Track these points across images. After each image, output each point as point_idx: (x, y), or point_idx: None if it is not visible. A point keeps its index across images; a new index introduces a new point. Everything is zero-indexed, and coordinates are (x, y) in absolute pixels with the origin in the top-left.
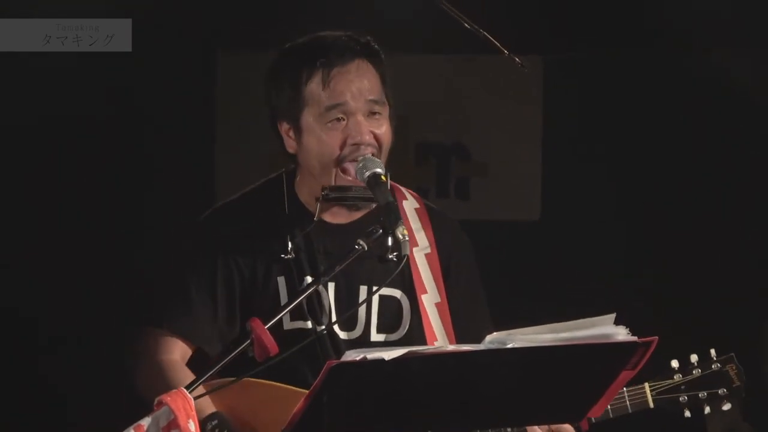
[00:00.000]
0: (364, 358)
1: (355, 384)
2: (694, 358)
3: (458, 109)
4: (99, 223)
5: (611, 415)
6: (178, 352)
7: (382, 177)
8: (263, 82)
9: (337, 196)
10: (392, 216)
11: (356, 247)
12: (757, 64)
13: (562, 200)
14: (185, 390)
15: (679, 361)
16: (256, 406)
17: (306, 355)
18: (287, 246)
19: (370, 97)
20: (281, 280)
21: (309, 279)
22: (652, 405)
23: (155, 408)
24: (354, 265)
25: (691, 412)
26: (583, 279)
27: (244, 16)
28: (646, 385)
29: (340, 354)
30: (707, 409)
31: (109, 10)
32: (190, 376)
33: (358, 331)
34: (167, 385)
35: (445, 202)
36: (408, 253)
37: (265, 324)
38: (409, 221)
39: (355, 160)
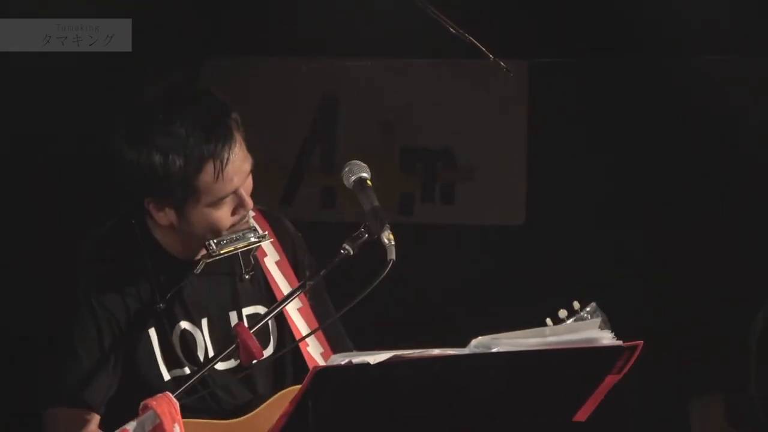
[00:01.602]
0: (350, 363)
1: (341, 389)
2: (563, 313)
3: (443, 114)
4: (96, 223)
5: None
6: (91, 421)
7: (368, 182)
8: (118, 141)
9: (227, 250)
10: (378, 221)
11: (342, 251)
12: (744, 70)
13: (547, 205)
14: (170, 394)
15: (551, 319)
16: None
17: (196, 398)
18: (155, 296)
19: (249, 170)
20: (152, 332)
21: (183, 324)
22: None
23: (140, 412)
24: (220, 292)
25: None
26: (568, 283)
27: (228, 22)
28: None
29: (224, 385)
30: None
31: (109, 10)
32: None
33: (234, 360)
34: None
35: (430, 206)
36: (393, 257)
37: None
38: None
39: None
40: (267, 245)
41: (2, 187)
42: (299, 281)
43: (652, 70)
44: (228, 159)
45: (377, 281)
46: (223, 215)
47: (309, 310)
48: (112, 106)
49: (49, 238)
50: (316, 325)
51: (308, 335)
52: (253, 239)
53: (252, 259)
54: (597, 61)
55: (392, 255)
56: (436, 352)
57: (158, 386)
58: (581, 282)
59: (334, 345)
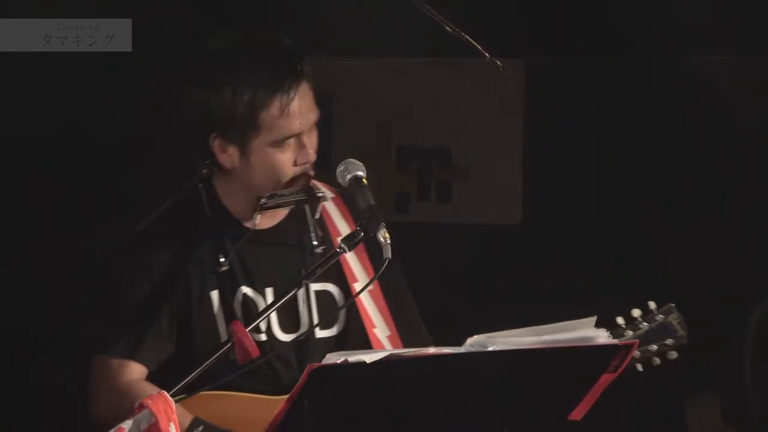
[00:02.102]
0: (345, 361)
1: (337, 387)
2: (636, 312)
3: (439, 113)
4: (96, 223)
5: None
6: (136, 371)
7: (364, 180)
8: (185, 84)
9: (277, 203)
10: (374, 219)
11: (337, 249)
12: (741, 71)
13: (544, 204)
14: (166, 393)
15: (624, 318)
16: (228, 416)
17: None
18: (218, 258)
19: (314, 118)
20: (214, 295)
21: (244, 289)
22: None
23: (136, 411)
24: (288, 265)
25: (642, 366)
26: (564, 282)
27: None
28: None
29: (281, 358)
30: (656, 360)
31: (109, 10)
32: (154, 390)
33: (302, 331)
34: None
35: (426, 205)
36: (389, 256)
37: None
38: (329, 213)
39: (303, 174)
40: (343, 227)
41: (2, 187)
42: (371, 263)
43: (650, 70)
44: (294, 97)
45: (373, 279)
46: (285, 160)
47: (380, 293)
48: (112, 106)
49: (49, 238)
50: (386, 308)
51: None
52: (308, 195)
53: (323, 233)
54: (594, 60)
55: (388, 254)
56: (431, 350)
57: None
58: (578, 281)
59: (407, 332)
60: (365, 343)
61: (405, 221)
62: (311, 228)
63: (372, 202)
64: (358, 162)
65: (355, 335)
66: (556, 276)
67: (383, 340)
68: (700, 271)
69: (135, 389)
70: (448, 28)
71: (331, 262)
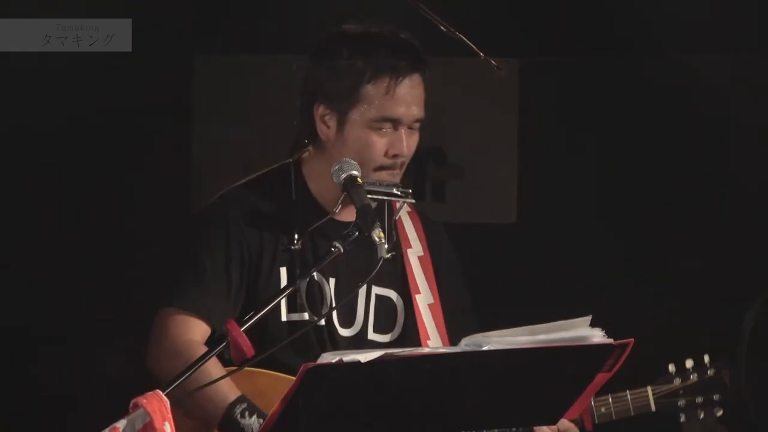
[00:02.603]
0: (340, 361)
1: (332, 387)
2: (689, 363)
3: (434, 113)
4: (96, 223)
5: (614, 417)
6: (198, 331)
7: (358, 179)
8: (310, 57)
9: (366, 189)
10: (368, 218)
11: (332, 249)
12: (732, 69)
13: (539, 203)
14: (161, 392)
15: (675, 366)
16: (264, 395)
17: (304, 349)
18: (294, 237)
19: (418, 115)
20: (283, 271)
21: (314, 273)
22: (653, 408)
23: (130, 410)
24: (356, 262)
25: (686, 416)
26: (560, 281)
27: (219, 20)
28: (649, 388)
29: (338, 349)
30: (701, 414)
31: (109, 10)
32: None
33: (356, 329)
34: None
35: (421, 205)
36: (384, 255)
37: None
38: (403, 223)
39: (391, 168)
40: (414, 240)
41: (2, 187)
42: (436, 276)
43: (645, 68)
44: (403, 80)
45: (368, 279)
46: (378, 143)
47: (439, 308)
48: (111, 106)
49: (48, 237)
50: (442, 322)
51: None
52: (395, 191)
53: (395, 239)
54: (589, 59)
55: (382, 253)
56: (426, 350)
57: (274, 325)
58: (574, 280)
59: (455, 334)
60: None
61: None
62: (386, 228)
63: (367, 201)
64: (353, 161)
65: (410, 344)
66: (551, 275)
67: None
68: (696, 271)
69: (193, 352)
70: (442, 28)
71: (327, 261)
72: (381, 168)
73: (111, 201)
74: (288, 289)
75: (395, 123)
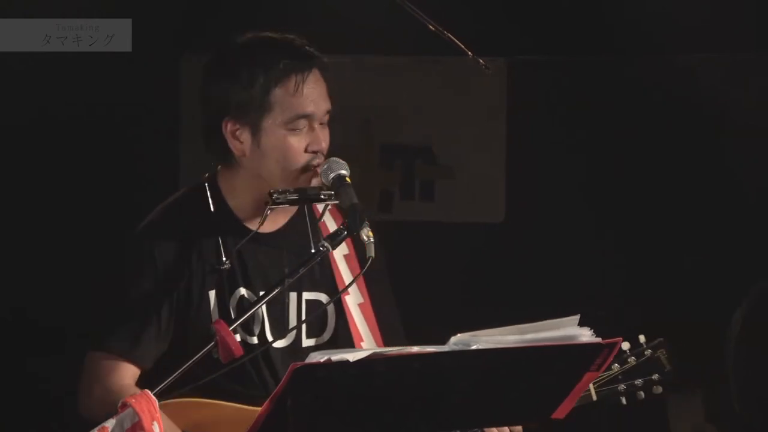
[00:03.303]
0: (329, 360)
1: (320, 387)
2: (625, 345)
3: (423, 112)
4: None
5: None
6: (128, 375)
7: (347, 178)
8: (206, 77)
9: (288, 199)
10: (357, 218)
11: (321, 248)
12: (722, 68)
13: (527, 202)
14: (150, 392)
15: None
16: (210, 428)
17: (237, 370)
18: (221, 257)
19: (327, 108)
20: (212, 294)
21: (242, 291)
22: (595, 398)
23: (119, 410)
24: (281, 271)
25: (627, 400)
26: (548, 280)
27: (208, 18)
28: None
29: (273, 364)
30: (640, 395)
31: (109, 10)
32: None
33: (290, 338)
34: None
35: (410, 204)
36: (372, 254)
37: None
38: (326, 224)
39: (316, 167)
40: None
41: (2, 187)
42: (365, 280)
43: (632, 68)
44: (307, 77)
45: (356, 278)
46: (296, 144)
47: (369, 307)
48: (112, 106)
49: (48, 237)
50: (374, 322)
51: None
52: (321, 195)
53: (366, 254)
54: (577, 59)
55: (371, 252)
56: (415, 349)
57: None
58: (561, 279)
59: (387, 337)
60: None
61: (388, 220)
62: (311, 233)
63: (355, 200)
64: (341, 161)
65: (344, 346)
66: (539, 274)
67: None
68: (683, 270)
69: (126, 394)
70: (430, 27)
71: (314, 261)
72: (306, 169)
73: (102, 199)
74: (273, 291)
75: (309, 119)
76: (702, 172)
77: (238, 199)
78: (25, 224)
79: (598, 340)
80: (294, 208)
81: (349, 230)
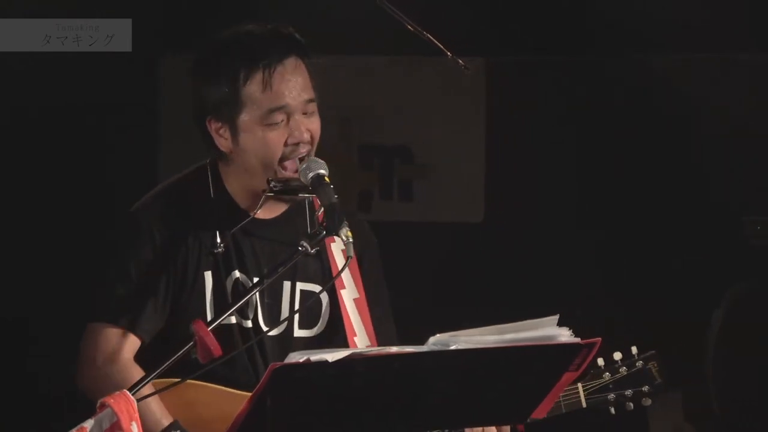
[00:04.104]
0: (308, 360)
1: (299, 387)
2: (617, 355)
3: (401, 111)
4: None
5: (546, 416)
6: (129, 347)
7: (326, 178)
8: (192, 77)
9: (286, 188)
10: (336, 217)
11: (299, 248)
12: (697, 68)
13: (505, 202)
14: (128, 392)
15: (604, 359)
16: (200, 408)
17: (230, 353)
18: (216, 240)
19: (307, 96)
20: (208, 275)
21: (236, 274)
22: (585, 405)
23: (98, 410)
24: (279, 259)
25: (615, 409)
26: (527, 280)
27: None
28: (579, 386)
29: (264, 350)
30: (629, 405)
31: (109, 10)
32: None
33: (282, 326)
34: (118, 385)
35: (388, 204)
36: (352, 254)
37: (209, 325)
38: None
39: (294, 158)
40: None
41: (2, 187)
42: (360, 270)
43: (611, 68)
44: (275, 69)
45: (335, 277)
46: (274, 138)
47: (365, 303)
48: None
49: (48, 236)
50: (368, 318)
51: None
52: (317, 186)
53: (347, 254)
54: (556, 59)
55: (350, 252)
56: (394, 349)
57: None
58: (540, 279)
59: (378, 333)
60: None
61: (367, 220)
62: (309, 225)
63: (334, 200)
64: (320, 160)
65: (336, 340)
66: (518, 274)
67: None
68: (663, 270)
69: (128, 375)
70: (409, 27)
71: (293, 261)
72: (284, 159)
73: (102, 199)
74: (256, 288)
75: (285, 111)
76: (683, 173)
77: (236, 186)
78: (25, 224)
79: (577, 340)
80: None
81: (328, 230)
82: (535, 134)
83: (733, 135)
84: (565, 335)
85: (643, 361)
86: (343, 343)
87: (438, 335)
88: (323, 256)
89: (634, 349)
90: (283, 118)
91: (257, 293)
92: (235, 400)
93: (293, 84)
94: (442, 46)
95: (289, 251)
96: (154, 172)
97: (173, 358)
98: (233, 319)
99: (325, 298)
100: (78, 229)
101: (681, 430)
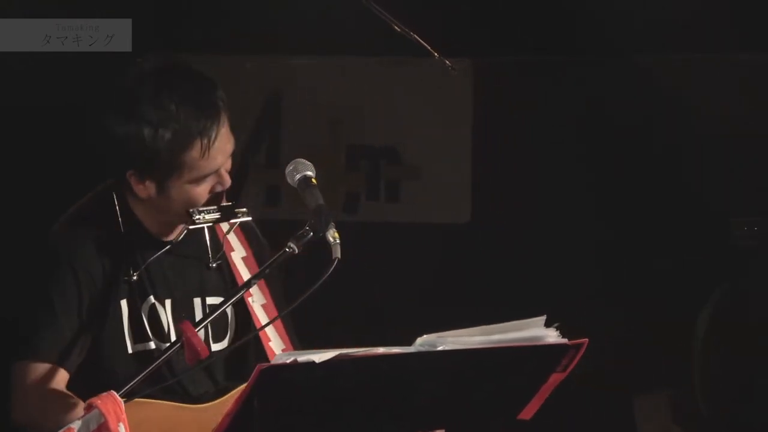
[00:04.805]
0: (295, 361)
1: (286, 387)
2: None
3: (388, 112)
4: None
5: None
6: (60, 380)
7: (313, 180)
8: (107, 116)
9: (207, 219)
10: (323, 219)
11: (286, 249)
12: (688, 69)
13: (493, 203)
14: (115, 393)
15: None
16: (150, 426)
17: (156, 378)
18: (129, 270)
19: (231, 150)
20: (124, 303)
21: (152, 299)
22: None
23: (85, 411)
24: (186, 277)
25: None
26: (514, 281)
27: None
28: None
29: (186, 375)
30: None
31: (109, 10)
32: (78, 401)
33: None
34: (57, 416)
35: (375, 205)
36: (339, 256)
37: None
38: (221, 227)
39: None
40: (234, 240)
41: (2, 187)
42: (264, 279)
43: (598, 69)
44: (215, 137)
45: (322, 280)
46: (202, 192)
47: (273, 307)
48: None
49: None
50: (280, 322)
51: (267, 324)
52: (238, 217)
53: (219, 248)
54: (543, 60)
55: (337, 253)
56: (381, 350)
57: (120, 358)
58: (528, 280)
59: (295, 346)
60: (263, 356)
61: (354, 221)
62: (208, 242)
63: (321, 201)
64: (307, 162)
65: (249, 348)
66: (505, 275)
67: (278, 353)
68: (647, 270)
69: (62, 399)
70: (396, 28)
71: (280, 260)
72: (207, 203)
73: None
74: (242, 291)
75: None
76: (673, 171)
77: (145, 214)
78: (24, 224)
79: (565, 340)
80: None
81: (314, 232)
82: (523, 135)
83: (733, 135)
84: (552, 336)
85: None
86: (260, 349)
87: (425, 336)
88: (225, 268)
89: None
90: (212, 175)
91: (165, 315)
92: (187, 414)
93: (224, 143)
94: (429, 47)
95: (196, 265)
96: None
97: (160, 360)
98: (152, 345)
99: (229, 308)
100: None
101: (669, 431)
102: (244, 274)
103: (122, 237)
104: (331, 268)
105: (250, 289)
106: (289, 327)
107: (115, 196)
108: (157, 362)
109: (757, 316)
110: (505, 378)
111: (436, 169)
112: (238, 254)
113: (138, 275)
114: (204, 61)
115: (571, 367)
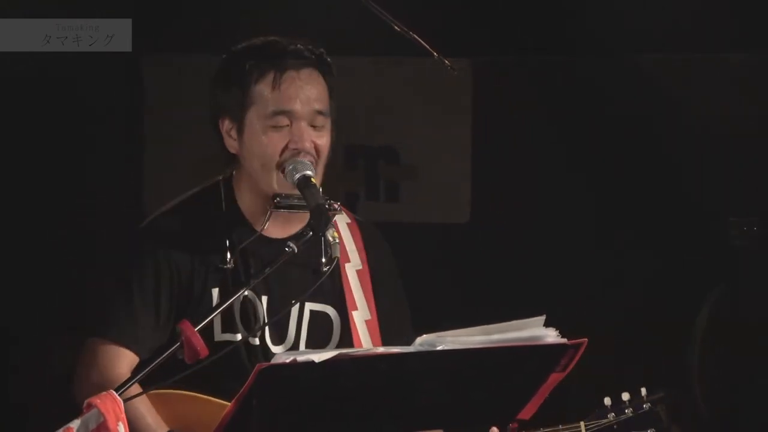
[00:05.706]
0: (294, 361)
1: (286, 387)
2: (625, 396)
3: (387, 112)
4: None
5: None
6: (125, 363)
7: (312, 179)
8: (211, 80)
9: (289, 204)
10: (322, 218)
11: (286, 249)
12: (685, 69)
13: (492, 202)
14: (114, 392)
15: (611, 399)
16: (195, 421)
17: (236, 368)
18: (226, 256)
19: (317, 107)
20: (215, 292)
21: (247, 292)
22: None
23: (84, 410)
24: (288, 278)
25: None
26: (513, 281)
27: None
28: (582, 424)
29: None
30: None
31: (109, 10)
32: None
33: (287, 345)
34: None
35: (374, 205)
36: (338, 255)
37: (195, 327)
38: (341, 237)
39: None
40: (352, 253)
41: (2, 187)
42: (374, 292)
43: (598, 69)
44: (289, 72)
45: (322, 278)
46: (273, 140)
47: (376, 325)
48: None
49: (46, 235)
50: (379, 340)
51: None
52: (327, 210)
53: (331, 255)
54: (541, 60)
55: (336, 253)
56: (380, 350)
57: (208, 347)
58: (527, 280)
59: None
60: None
61: None
62: (323, 245)
63: (321, 201)
64: (306, 161)
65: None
66: (504, 275)
67: None
68: (646, 270)
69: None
70: (396, 27)
71: (280, 262)
72: (283, 165)
73: (104, 198)
74: (241, 292)
75: (291, 117)
76: (666, 170)
77: (246, 200)
78: (24, 225)
79: (564, 340)
80: (307, 216)
81: (314, 231)
82: (522, 135)
83: (732, 135)
84: (551, 336)
85: (651, 403)
86: None
87: (424, 336)
88: (336, 277)
89: (643, 391)
90: (287, 123)
91: (265, 311)
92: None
93: (303, 91)
94: (428, 47)
95: (299, 272)
96: (137, 176)
97: (159, 359)
98: (239, 336)
99: (336, 319)
100: (78, 230)
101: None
102: (355, 289)
103: (222, 226)
104: (330, 267)
105: (357, 303)
106: (401, 327)
107: (222, 182)
108: (157, 362)
109: (755, 316)
110: (504, 378)
111: (435, 169)
112: (353, 266)
113: (234, 265)
114: (204, 61)
115: (571, 366)
